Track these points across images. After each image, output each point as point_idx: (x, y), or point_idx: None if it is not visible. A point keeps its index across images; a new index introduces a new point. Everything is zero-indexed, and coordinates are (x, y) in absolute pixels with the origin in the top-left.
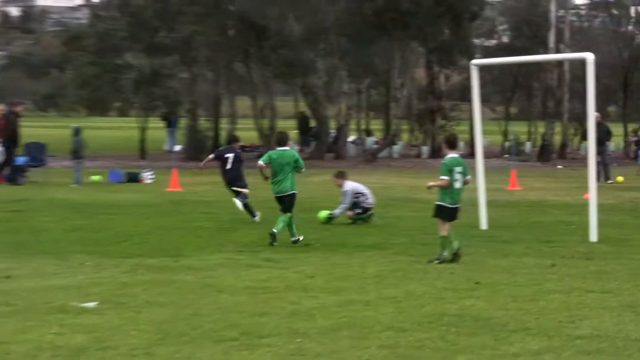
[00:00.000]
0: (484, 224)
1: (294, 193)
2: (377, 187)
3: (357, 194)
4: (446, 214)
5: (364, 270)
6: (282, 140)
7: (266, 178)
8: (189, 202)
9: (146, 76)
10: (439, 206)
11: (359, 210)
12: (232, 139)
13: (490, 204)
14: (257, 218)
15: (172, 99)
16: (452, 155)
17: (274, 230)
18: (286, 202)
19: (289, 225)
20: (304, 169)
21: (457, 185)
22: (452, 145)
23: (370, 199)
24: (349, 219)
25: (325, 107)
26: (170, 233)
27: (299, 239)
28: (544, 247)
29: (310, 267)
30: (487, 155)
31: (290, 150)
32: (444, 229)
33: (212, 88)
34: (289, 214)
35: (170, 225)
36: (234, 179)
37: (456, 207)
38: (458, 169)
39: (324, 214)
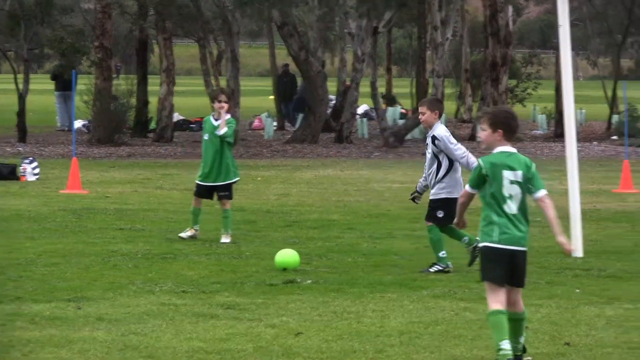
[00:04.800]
0: (578, 249)
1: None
2: (403, 188)
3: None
4: (489, 266)
5: (384, 323)
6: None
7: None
8: (98, 212)
9: (27, 7)
10: (481, 250)
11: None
12: None
13: (588, 216)
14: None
15: (68, 43)
16: (502, 149)
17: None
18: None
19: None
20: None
21: (510, 207)
22: (507, 129)
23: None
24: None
25: (319, 58)
26: (67, 262)
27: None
28: None
29: (296, 318)
30: (585, 136)
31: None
32: (494, 299)
33: (134, 26)
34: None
35: (68, 249)
36: None
37: (509, 252)
38: (510, 175)
39: (283, 258)
